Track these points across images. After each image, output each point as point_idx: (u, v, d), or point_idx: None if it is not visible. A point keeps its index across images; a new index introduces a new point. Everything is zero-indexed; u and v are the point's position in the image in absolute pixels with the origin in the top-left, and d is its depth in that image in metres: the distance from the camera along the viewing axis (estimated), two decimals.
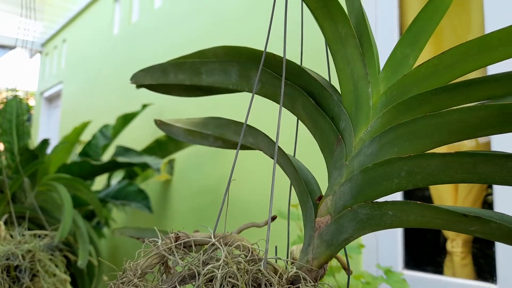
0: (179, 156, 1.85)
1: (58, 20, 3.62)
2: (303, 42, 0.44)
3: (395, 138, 0.28)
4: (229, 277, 0.25)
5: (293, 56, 0.41)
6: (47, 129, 3.82)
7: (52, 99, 3.92)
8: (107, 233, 2.04)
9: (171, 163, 1.89)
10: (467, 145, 1.07)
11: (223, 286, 0.25)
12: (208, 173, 1.66)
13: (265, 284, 0.26)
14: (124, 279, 0.28)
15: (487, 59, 0.28)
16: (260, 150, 0.38)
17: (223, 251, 0.28)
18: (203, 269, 0.26)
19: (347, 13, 0.33)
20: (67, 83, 3.38)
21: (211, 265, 0.26)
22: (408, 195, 1.13)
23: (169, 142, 1.75)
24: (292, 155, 0.39)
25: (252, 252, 0.30)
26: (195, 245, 0.29)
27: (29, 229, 0.71)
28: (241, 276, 0.24)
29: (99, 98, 2.74)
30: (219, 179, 1.60)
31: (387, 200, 0.27)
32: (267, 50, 0.36)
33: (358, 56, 0.33)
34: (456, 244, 1.16)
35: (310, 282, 0.29)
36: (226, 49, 0.40)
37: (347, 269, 0.39)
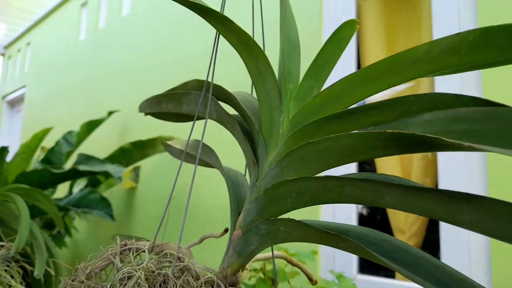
0: (145, 164, 1.85)
1: (23, 22, 3.53)
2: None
3: (290, 162, 0.32)
4: (141, 279, 0.30)
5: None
6: (9, 133, 3.70)
7: (14, 103, 3.80)
8: (69, 242, 2.01)
9: (136, 170, 1.89)
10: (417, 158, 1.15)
11: (134, 285, 0.30)
12: (172, 180, 1.68)
13: (173, 285, 0.30)
14: (75, 277, 0.32)
15: (372, 89, 0.31)
16: (216, 168, 0.44)
17: (147, 257, 0.33)
18: (123, 269, 0.31)
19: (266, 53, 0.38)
20: (31, 87, 3.30)
21: (129, 267, 0.31)
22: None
23: (134, 150, 1.75)
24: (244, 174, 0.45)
25: (178, 259, 0.35)
26: (140, 252, 0.34)
27: None
28: (144, 276, 0.29)
29: (64, 104, 2.69)
30: (182, 186, 1.62)
31: (282, 217, 0.32)
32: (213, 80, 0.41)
33: (275, 89, 0.38)
34: None
35: (220, 286, 0.33)
36: (197, 82, 0.48)
37: (312, 280, 0.46)
